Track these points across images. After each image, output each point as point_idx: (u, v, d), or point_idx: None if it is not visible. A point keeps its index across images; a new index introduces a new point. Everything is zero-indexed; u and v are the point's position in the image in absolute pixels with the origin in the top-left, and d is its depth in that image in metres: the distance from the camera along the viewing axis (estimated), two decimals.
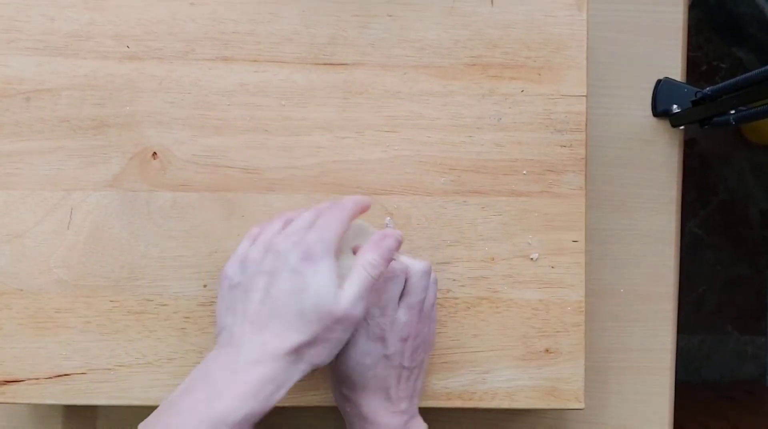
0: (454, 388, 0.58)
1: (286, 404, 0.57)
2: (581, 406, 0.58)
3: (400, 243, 0.48)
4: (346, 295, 0.44)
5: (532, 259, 0.58)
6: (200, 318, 0.57)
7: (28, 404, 0.58)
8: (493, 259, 0.58)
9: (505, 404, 0.58)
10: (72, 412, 0.66)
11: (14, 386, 0.56)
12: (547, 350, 0.58)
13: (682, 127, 0.66)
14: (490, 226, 0.58)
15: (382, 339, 0.50)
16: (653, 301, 0.67)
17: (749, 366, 1.56)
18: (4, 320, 0.56)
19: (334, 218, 0.46)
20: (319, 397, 0.57)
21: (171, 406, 0.42)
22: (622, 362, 0.67)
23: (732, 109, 0.60)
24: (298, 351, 0.42)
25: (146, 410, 0.64)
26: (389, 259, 0.46)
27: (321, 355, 0.44)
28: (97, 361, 0.56)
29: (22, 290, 0.56)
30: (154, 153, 0.57)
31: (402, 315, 0.51)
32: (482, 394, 0.58)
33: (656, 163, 0.66)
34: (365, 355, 0.50)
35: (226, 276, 0.48)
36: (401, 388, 0.52)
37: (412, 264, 0.52)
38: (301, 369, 0.43)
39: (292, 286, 0.43)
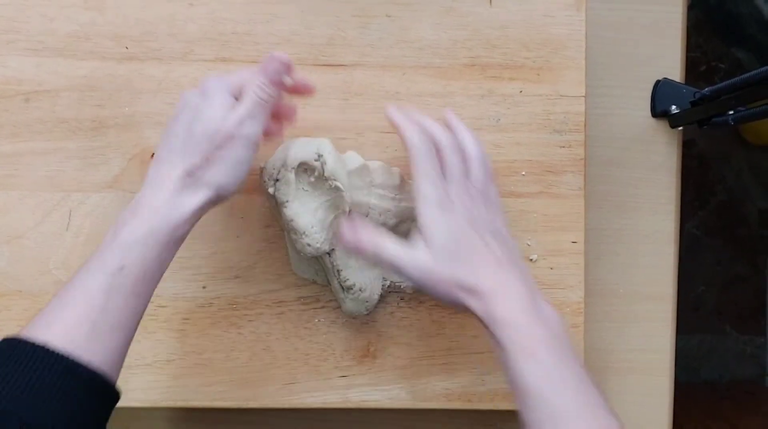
0: (454, 389, 0.58)
1: (286, 406, 0.57)
2: None
3: (286, 64, 0.49)
4: (234, 114, 0.46)
5: (531, 260, 0.58)
6: (199, 319, 0.57)
7: None
8: None
9: (504, 405, 0.58)
10: None
11: None
12: None
13: (680, 128, 0.66)
14: None
15: (451, 207, 0.48)
16: (652, 301, 0.66)
17: (748, 366, 1.56)
18: (3, 321, 0.56)
19: (243, 71, 0.49)
20: (319, 399, 0.57)
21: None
22: (621, 362, 0.67)
23: (731, 110, 0.60)
24: (191, 174, 0.45)
25: (146, 411, 0.64)
26: (277, 81, 0.48)
27: (218, 174, 0.46)
28: None
29: (21, 291, 0.56)
30: (153, 154, 0.57)
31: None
32: (482, 395, 0.58)
33: (655, 164, 0.66)
34: (451, 228, 0.47)
35: None
36: (499, 249, 0.48)
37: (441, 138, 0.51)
38: (200, 191, 0.45)
39: (188, 119, 0.46)
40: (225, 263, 0.57)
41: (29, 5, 0.57)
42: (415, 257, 0.47)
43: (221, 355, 0.57)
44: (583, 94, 0.58)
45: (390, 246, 0.48)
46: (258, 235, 0.57)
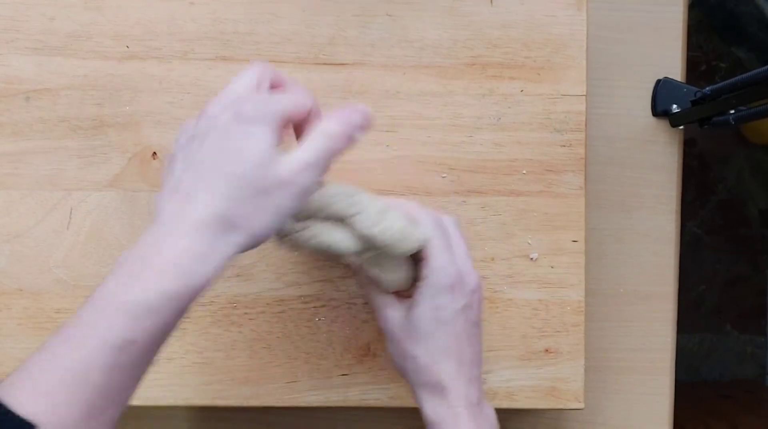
0: None
1: (287, 405, 0.57)
2: (581, 406, 0.58)
3: (368, 119, 0.42)
4: (293, 159, 0.39)
5: (531, 259, 0.58)
6: (200, 318, 0.57)
7: None
8: (492, 259, 0.58)
9: (505, 404, 0.58)
10: None
11: None
12: (547, 350, 0.58)
13: (681, 127, 0.66)
14: (490, 226, 0.58)
15: (453, 289, 0.47)
16: (653, 300, 0.66)
17: (749, 365, 1.56)
18: (3, 320, 0.56)
19: (289, 95, 0.41)
20: (320, 398, 0.58)
21: (91, 295, 0.36)
22: (621, 362, 0.67)
23: (731, 109, 0.60)
24: (225, 220, 0.36)
25: (146, 410, 0.64)
26: (351, 135, 0.41)
27: (260, 223, 0.37)
28: None
29: (21, 290, 0.56)
30: (154, 153, 0.57)
31: (464, 264, 0.48)
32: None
33: (656, 163, 0.66)
34: (438, 309, 0.47)
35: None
36: (474, 351, 0.48)
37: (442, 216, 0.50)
38: (234, 240, 0.37)
39: (219, 149, 0.37)
40: None
41: (29, 4, 0.57)
42: (391, 315, 0.49)
43: (222, 354, 0.57)
44: (584, 94, 0.58)
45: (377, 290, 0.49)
46: None
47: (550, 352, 0.58)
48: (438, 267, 0.47)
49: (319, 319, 0.58)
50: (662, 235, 0.66)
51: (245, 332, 0.57)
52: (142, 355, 0.35)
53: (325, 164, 0.40)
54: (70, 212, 0.57)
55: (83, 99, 0.57)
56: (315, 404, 0.57)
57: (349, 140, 0.41)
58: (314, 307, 0.58)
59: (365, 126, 0.42)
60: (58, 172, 0.57)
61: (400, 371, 0.50)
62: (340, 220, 0.46)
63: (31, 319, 0.56)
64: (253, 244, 0.38)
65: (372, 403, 0.58)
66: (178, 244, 0.35)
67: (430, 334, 0.47)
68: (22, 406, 0.32)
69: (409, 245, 0.46)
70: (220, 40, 0.57)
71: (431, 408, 0.48)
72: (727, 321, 1.56)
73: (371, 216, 0.45)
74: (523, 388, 0.58)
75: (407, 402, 0.58)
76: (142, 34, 0.57)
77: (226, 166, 0.37)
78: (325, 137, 0.40)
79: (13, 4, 0.57)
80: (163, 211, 0.37)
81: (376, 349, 0.58)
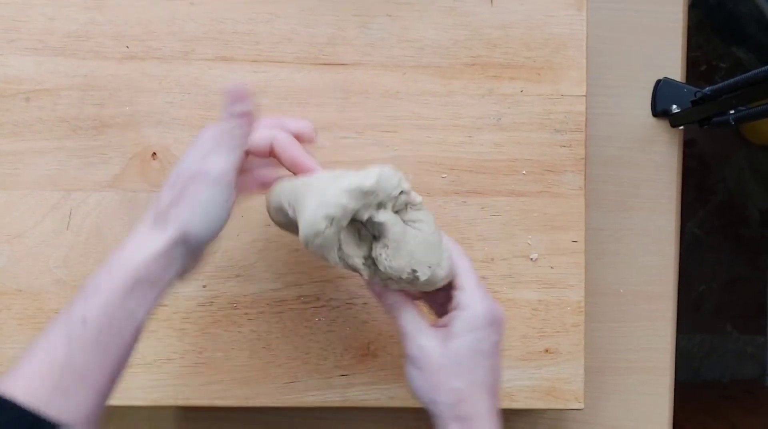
0: None
1: (287, 405, 0.57)
2: (581, 406, 0.58)
3: (238, 95, 0.45)
4: (196, 150, 0.44)
5: (531, 259, 0.58)
6: (200, 318, 0.57)
7: None
8: (492, 260, 0.58)
9: (504, 404, 0.58)
10: None
11: None
12: (547, 350, 0.58)
13: (681, 127, 0.66)
14: (490, 226, 0.58)
15: (492, 323, 0.47)
16: (653, 300, 0.66)
17: (749, 366, 1.56)
18: (3, 320, 0.56)
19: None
20: (319, 398, 0.58)
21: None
22: (621, 362, 0.67)
23: (731, 109, 0.60)
24: (158, 214, 0.42)
25: (146, 410, 0.64)
26: (238, 112, 0.45)
27: (183, 213, 0.42)
28: None
29: (21, 290, 0.56)
30: (154, 153, 0.57)
31: (491, 297, 0.49)
32: None
33: (656, 163, 0.66)
34: (480, 341, 0.46)
35: None
36: (499, 383, 0.48)
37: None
38: (168, 231, 0.42)
39: (176, 171, 0.44)
40: (225, 262, 0.57)
41: (30, 5, 0.57)
42: (427, 344, 0.47)
43: (221, 354, 0.57)
44: (584, 94, 0.58)
45: (409, 316, 0.48)
46: (258, 234, 0.57)
47: (550, 353, 0.58)
48: (477, 300, 0.47)
49: (319, 319, 0.58)
50: (662, 235, 0.66)
51: (245, 332, 0.57)
52: (96, 333, 0.38)
53: (224, 147, 0.44)
54: (70, 212, 0.57)
55: (83, 99, 0.57)
56: (315, 404, 0.57)
57: (238, 118, 0.45)
58: (314, 307, 0.58)
59: (239, 98, 0.45)
60: (58, 173, 0.57)
61: (428, 403, 0.48)
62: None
63: (31, 319, 0.56)
64: (188, 234, 0.42)
65: (372, 403, 0.58)
66: (128, 240, 0.42)
67: (472, 368, 0.46)
68: (7, 386, 0.36)
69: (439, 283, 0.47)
70: (219, 40, 0.57)
71: None
72: (727, 321, 1.56)
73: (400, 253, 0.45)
74: (523, 388, 0.58)
75: (407, 402, 0.58)
76: (142, 34, 0.57)
77: (175, 178, 0.44)
78: (214, 125, 0.45)
79: (13, 4, 0.57)
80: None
81: (376, 349, 0.58)
